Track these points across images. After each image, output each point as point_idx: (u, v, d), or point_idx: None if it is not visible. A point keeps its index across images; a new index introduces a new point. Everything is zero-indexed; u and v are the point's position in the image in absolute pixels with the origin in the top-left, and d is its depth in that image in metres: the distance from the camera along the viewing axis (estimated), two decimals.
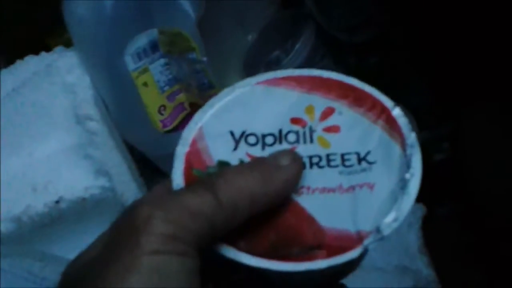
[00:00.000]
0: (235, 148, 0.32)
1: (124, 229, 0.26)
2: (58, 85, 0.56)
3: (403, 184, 0.29)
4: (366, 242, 0.28)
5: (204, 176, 0.30)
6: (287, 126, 0.32)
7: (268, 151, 0.31)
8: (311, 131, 0.32)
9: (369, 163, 0.31)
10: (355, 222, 0.29)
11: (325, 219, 0.29)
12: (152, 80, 0.57)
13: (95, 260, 0.26)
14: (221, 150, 0.31)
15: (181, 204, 0.26)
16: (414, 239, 0.64)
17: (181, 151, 0.31)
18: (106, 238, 0.28)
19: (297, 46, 0.70)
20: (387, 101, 0.32)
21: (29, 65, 0.59)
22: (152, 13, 0.56)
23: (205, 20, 0.60)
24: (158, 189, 0.32)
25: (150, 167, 0.64)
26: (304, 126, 0.32)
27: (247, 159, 0.31)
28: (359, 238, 0.28)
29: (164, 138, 0.59)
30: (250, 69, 0.73)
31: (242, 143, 0.32)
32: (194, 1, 0.56)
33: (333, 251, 0.28)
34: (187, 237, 0.26)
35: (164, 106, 0.58)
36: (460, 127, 0.74)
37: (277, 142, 0.32)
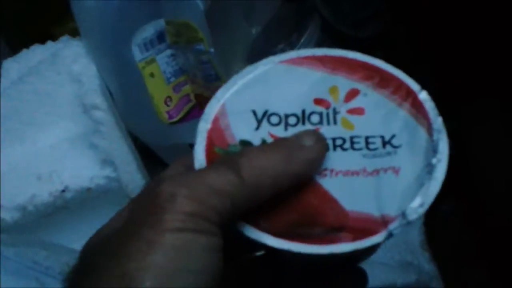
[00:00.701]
0: (257, 128, 0.31)
1: (148, 206, 0.26)
2: (64, 74, 0.56)
3: (430, 169, 0.29)
4: (391, 226, 0.28)
5: (226, 154, 0.30)
6: (310, 107, 0.32)
7: (290, 132, 0.31)
8: (335, 112, 0.31)
9: (394, 147, 0.30)
10: (380, 206, 0.29)
11: (349, 202, 0.29)
12: (159, 70, 0.57)
13: (117, 235, 0.26)
14: (243, 129, 0.31)
15: (204, 182, 0.26)
16: (416, 234, 0.64)
17: (203, 127, 0.31)
18: (126, 213, 0.28)
19: (302, 39, 0.70)
20: (413, 84, 0.32)
21: (35, 54, 0.59)
22: (160, 3, 0.55)
23: (210, 13, 0.60)
24: (178, 164, 0.32)
25: (153, 159, 0.64)
26: (327, 107, 0.32)
27: (269, 139, 0.31)
28: (383, 222, 0.28)
29: (169, 129, 0.59)
30: (254, 62, 0.73)
31: (265, 123, 0.31)
32: None
33: (357, 235, 0.28)
34: (210, 215, 0.26)
35: (170, 97, 0.58)
36: (463, 125, 0.74)
37: (300, 122, 0.31)
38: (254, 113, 0.32)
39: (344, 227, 0.28)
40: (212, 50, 0.56)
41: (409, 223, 0.28)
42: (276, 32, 0.73)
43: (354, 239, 0.28)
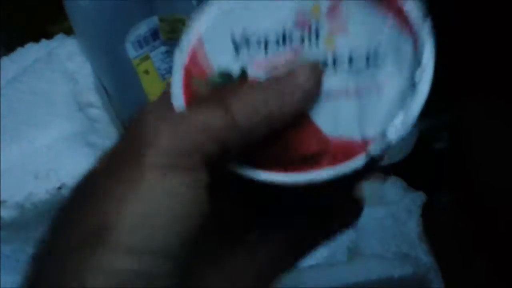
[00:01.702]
0: (236, 55, 0.29)
1: (130, 141, 0.25)
2: (59, 72, 0.56)
3: (413, 82, 0.27)
4: (370, 148, 0.26)
5: (205, 86, 0.29)
6: (291, 28, 0.29)
7: (271, 56, 0.29)
8: (317, 30, 0.29)
9: (378, 62, 0.28)
10: (362, 129, 0.27)
11: (331, 127, 0.28)
12: (153, 67, 0.57)
13: (102, 171, 0.25)
14: (221, 57, 0.29)
15: (191, 117, 0.25)
16: (413, 226, 0.65)
17: (179, 57, 0.29)
18: (110, 151, 0.26)
19: None
20: None
21: (30, 52, 0.59)
22: (153, 1, 0.56)
23: None
24: (165, 97, 0.29)
25: None
26: (309, 27, 0.29)
27: (250, 66, 0.29)
28: (364, 145, 0.27)
29: None
30: None
31: (244, 49, 0.29)
32: None
33: (337, 160, 0.27)
34: (194, 151, 0.24)
35: None
36: (460, 116, 0.74)
37: (281, 45, 0.29)
38: (233, 38, 0.30)
39: (325, 153, 0.27)
40: None
41: (390, 143, 0.26)
42: None
43: (334, 164, 0.27)
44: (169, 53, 0.58)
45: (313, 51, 0.29)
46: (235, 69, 0.29)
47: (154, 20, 0.56)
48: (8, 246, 0.50)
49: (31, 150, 0.55)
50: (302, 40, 0.29)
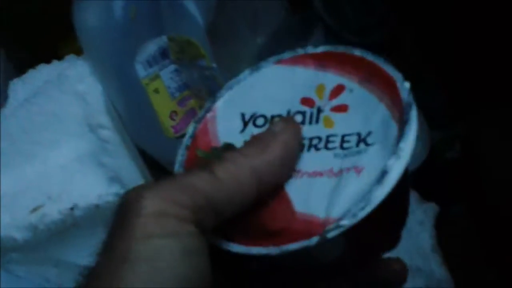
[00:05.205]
0: (242, 130, 0.31)
1: (117, 215, 0.25)
2: (70, 93, 0.57)
3: (384, 170, 0.27)
4: (325, 231, 0.26)
5: (207, 157, 0.30)
6: (296, 107, 0.31)
7: None
8: (319, 111, 0.31)
9: (367, 144, 0.28)
10: (328, 209, 0.27)
11: (301, 203, 0.28)
12: (163, 86, 0.58)
13: (99, 252, 0.25)
14: (228, 132, 0.31)
15: (173, 181, 0.25)
16: (427, 238, 0.64)
17: (192, 129, 0.32)
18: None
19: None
20: (398, 77, 0.29)
21: (41, 74, 0.60)
22: (161, 21, 0.56)
23: (215, 25, 0.61)
24: None
25: (163, 173, 0.64)
26: (312, 106, 0.31)
27: None
28: (323, 225, 0.26)
29: (176, 144, 0.59)
30: None
31: (250, 125, 0.31)
32: (203, 9, 0.57)
33: (294, 237, 0.27)
34: (180, 212, 0.24)
35: (175, 112, 0.59)
36: (472, 126, 0.74)
37: None
38: (243, 116, 0.32)
39: (288, 230, 0.27)
40: (214, 65, 0.57)
41: (343, 227, 0.26)
42: (282, 42, 0.73)
43: (289, 241, 0.26)
44: (178, 72, 0.59)
45: (312, 129, 0.30)
46: (238, 142, 0.31)
47: (163, 39, 0.57)
48: (22, 267, 0.51)
49: (44, 171, 0.56)
50: (303, 119, 0.31)
